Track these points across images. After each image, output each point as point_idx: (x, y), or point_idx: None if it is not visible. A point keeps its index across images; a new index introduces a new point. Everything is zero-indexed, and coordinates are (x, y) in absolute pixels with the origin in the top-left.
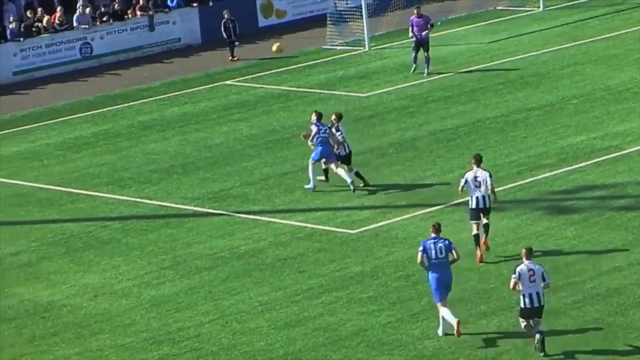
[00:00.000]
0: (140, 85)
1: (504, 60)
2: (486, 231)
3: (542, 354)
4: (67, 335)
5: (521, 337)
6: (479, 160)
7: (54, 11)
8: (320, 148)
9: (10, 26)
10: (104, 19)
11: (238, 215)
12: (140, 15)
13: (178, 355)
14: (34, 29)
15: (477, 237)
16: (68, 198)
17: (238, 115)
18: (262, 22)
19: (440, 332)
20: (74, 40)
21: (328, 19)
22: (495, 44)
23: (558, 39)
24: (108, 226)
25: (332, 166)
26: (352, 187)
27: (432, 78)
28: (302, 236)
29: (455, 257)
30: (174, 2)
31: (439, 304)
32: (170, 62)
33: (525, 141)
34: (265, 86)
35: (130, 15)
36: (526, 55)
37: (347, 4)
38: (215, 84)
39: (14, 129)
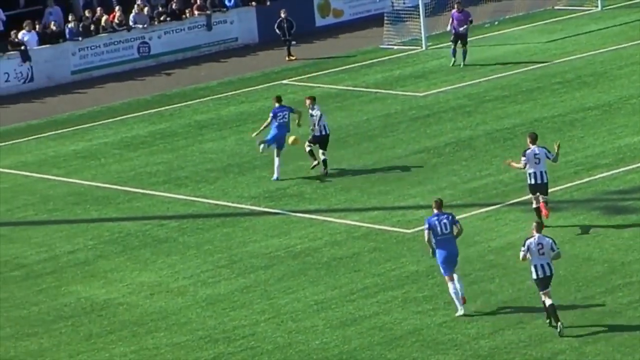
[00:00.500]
0: (197, 84)
1: (561, 60)
2: (545, 204)
3: (558, 323)
4: (123, 333)
5: (576, 337)
6: (534, 138)
7: (113, 11)
8: (275, 132)
9: (69, 26)
10: (162, 18)
11: (294, 214)
12: (198, 14)
13: (233, 353)
14: (92, 29)
15: (537, 210)
16: (125, 197)
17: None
18: (320, 21)
19: (460, 311)
20: (132, 40)
21: (385, 18)
22: (552, 43)
23: (616, 38)
24: (164, 225)
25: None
26: (275, 176)
27: (489, 77)
28: (358, 235)
29: (460, 229)
30: (232, 1)
31: (447, 278)
32: (227, 62)
33: (582, 141)
34: (322, 85)
35: (187, 15)
36: (584, 54)
37: (404, 3)
38: (272, 84)
39: (72, 128)
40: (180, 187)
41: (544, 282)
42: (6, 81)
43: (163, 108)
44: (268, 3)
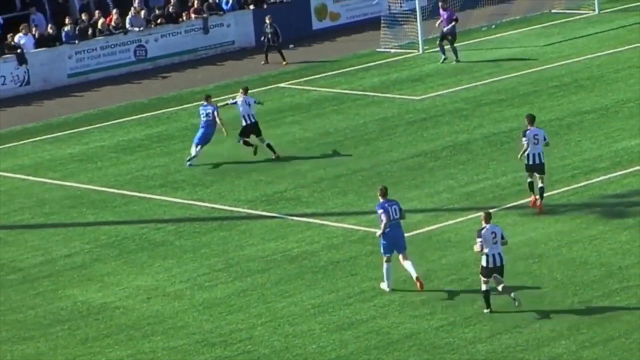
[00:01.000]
0: (194, 87)
1: (558, 64)
2: (541, 195)
3: (512, 293)
4: (119, 337)
5: (575, 341)
6: (532, 119)
7: (110, 14)
8: (202, 130)
9: (66, 29)
10: (159, 21)
11: (291, 217)
12: (195, 18)
13: (230, 357)
14: (89, 32)
15: (531, 184)
16: (121, 200)
17: (291, 118)
18: (316, 24)
19: (386, 287)
20: (129, 43)
21: (382, 21)
22: (549, 47)
23: (613, 42)
24: (161, 228)
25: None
26: (189, 161)
27: (486, 81)
28: (355, 239)
29: (404, 215)
30: (229, 4)
31: (385, 258)
32: (224, 65)
33: (579, 145)
34: (318, 89)
35: (184, 18)
36: (581, 58)
37: (401, 6)
38: (269, 87)
39: (69, 131)
40: (176, 190)
41: (494, 271)
42: (2, 84)
43: (160, 111)
44: (265, 6)
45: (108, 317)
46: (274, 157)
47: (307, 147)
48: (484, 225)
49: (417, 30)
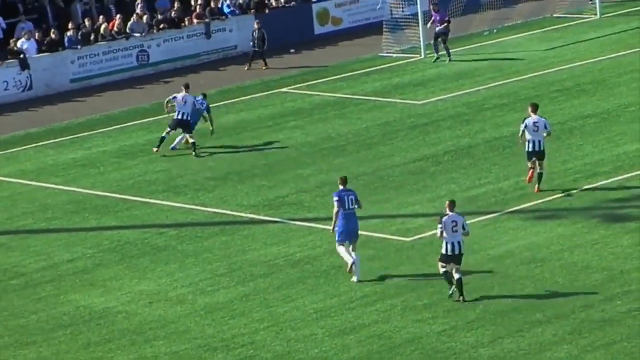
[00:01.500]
0: (196, 92)
1: (560, 68)
2: (540, 180)
3: (461, 298)
4: (122, 342)
5: (577, 346)
6: (536, 108)
7: (113, 19)
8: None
9: (69, 34)
10: (161, 26)
11: (293, 222)
12: (197, 23)
13: None
14: (91, 37)
15: (531, 169)
16: (124, 205)
17: (294, 123)
18: (319, 29)
19: (355, 279)
20: (131, 48)
21: (384, 26)
22: (551, 51)
23: (615, 46)
24: (164, 233)
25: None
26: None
27: (488, 86)
28: (357, 244)
29: (360, 206)
30: (231, 9)
31: (338, 243)
32: (226, 70)
33: (581, 149)
34: (321, 94)
35: (187, 23)
36: (583, 62)
37: (403, 11)
38: (271, 92)
39: (71, 137)
40: (179, 195)
41: (452, 259)
42: (5, 90)
43: (162, 116)
44: (267, 11)
45: (110, 322)
46: (193, 154)
47: (309, 152)
48: (447, 212)
49: (419, 35)
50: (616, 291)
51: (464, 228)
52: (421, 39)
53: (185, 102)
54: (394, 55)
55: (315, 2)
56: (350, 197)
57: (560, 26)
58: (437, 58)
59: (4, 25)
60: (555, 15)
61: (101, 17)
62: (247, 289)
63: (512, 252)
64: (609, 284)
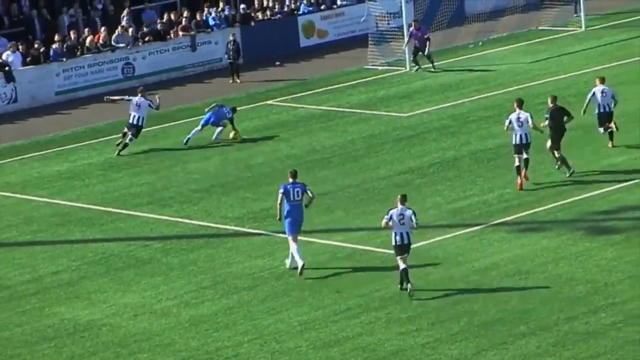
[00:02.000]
0: (181, 105)
1: (545, 80)
2: (526, 165)
3: (408, 284)
4: (106, 354)
5: (560, 358)
6: (521, 103)
7: (98, 32)
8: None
9: (54, 46)
10: (146, 39)
11: (278, 235)
12: (182, 35)
13: None
14: (77, 50)
15: (518, 168)
16: (109, 217)
17: (279, 135)
18: (304, 42)
19: (287, 264)
20: (116, 61)
21: (369, 39)
22: (536, 64)
23: (600, 58)
24: (148, 246)
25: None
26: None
27: (473, 98)
28: (342, 256)
29: (311, 195)
30: (216, 22)
31: (290, 238)
32: (211, 82)
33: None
34: (306, 106)
35: (172, 36)
36: (568, 75)
37: (388, 24)
38: (256, 104)
39: (56, 149)
40: (164, 207)
41: (401, 249)
42: None
43: (147, 129)
44: (252, 23)
45: (95, 335)
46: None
47: (294, 164)
48: (398, 206)
49: (404, 47)
50: (600, 303)
51: (411, 220)
52: (406, 52)
53: (139, 106)
54: (379, 68)
55: (300, 15)
56: (296, 189)
57: (545, 38)
58: (418, 67)
59: None
60: (540, 28)
61: (86, 29)
62: (231, 302)
63: (496, 264)
64: (593, 296)
